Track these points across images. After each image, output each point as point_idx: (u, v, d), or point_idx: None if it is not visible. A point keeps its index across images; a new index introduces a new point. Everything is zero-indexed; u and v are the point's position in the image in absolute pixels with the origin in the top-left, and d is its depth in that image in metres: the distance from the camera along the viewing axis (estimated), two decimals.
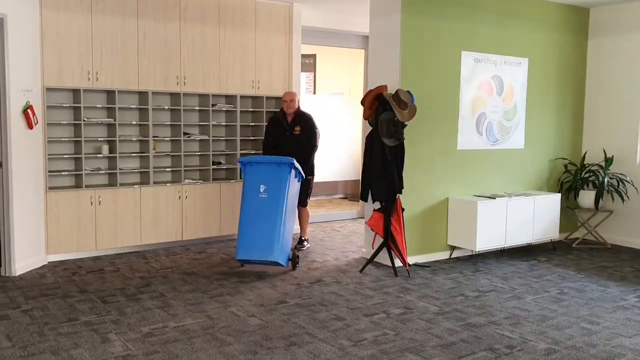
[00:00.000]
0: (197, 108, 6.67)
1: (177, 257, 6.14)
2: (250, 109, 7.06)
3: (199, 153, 6.76)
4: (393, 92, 5.54)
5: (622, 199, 6.77)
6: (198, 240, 6.74)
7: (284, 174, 5.41)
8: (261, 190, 5.37)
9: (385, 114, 5.55)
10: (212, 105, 6.70)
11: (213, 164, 6.78)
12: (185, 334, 3.95)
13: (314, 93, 10.43)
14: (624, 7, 6.90)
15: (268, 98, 7.09)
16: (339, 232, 7.66)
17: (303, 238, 6.69)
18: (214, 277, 5.39)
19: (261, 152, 6.80)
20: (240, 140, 6.94)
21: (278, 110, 6.70)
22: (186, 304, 4.60)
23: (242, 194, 5.46)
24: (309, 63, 10.28)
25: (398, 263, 5.70)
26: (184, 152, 6.58)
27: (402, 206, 5.65)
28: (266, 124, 6.67)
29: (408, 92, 5.58)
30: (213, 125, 6.76)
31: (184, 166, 6.57)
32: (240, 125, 6.93)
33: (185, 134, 6.60)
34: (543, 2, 6.81)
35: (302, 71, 7.64)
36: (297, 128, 6.34)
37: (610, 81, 7.10)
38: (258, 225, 5.32)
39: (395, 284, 5.24)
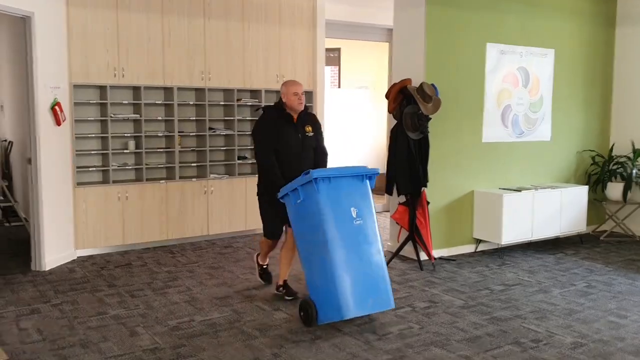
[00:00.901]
0: (222, 103, 6.72)
1: (203, 251, 6.21)
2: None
3: (225, 148, 6.82)
4: (417, 86, 5.51)
5: None
6: (224, 234, 6.80)
7: (366, 188, 4.08)
8: (353, 214, 3.91)
9: (409, 108, 5.53)
10: (237, 100, 6.75)
11: (238, 159, 6.83)
12: (211, 328, 4.01)
13: (339, 87, 10.42)
14: None
15: None
16: None
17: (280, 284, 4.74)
18: (240, 271, 5.44)
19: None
20: None
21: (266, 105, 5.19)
22: (212, 297, 4.66)
23: (318, 224, 3.82)
24: (334, 57, 10.27)
25: (423, 256, 5.68)
26: (210, 147, 6.64)
27: (427, 199, 5.63)
28: (256, 127, 4.53)
29: (432, 85, 5.54)
30: (238, 119, 6.81)
31: (210, 161, 6.63)
32: None
33: (210, 128, 6.66)
34: None
35: (326, 65, 7.64)
36: (308, 128, 4.56)
37: (638, 71, 6.94)
38: (362, 263, 3.86)
39: (420, 278, 5.23)
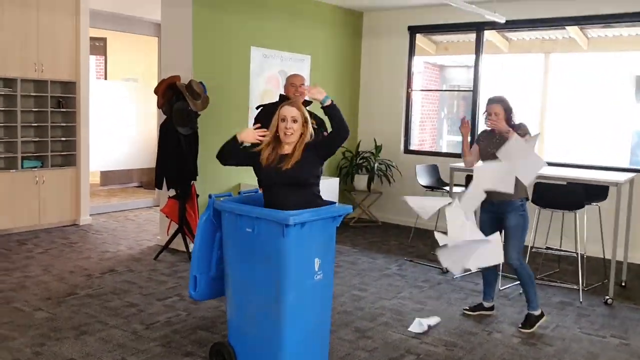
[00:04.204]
0: None
1: None
2: (33, 94, 6.63)
3: None
4: (186, 83, 5.69)
5: (389, 182, 7.78)
6: None
7: (333, 232, 3.32)
8: (316, 267, 3.19)
9: (179, 104, 5.68)
10: None
11: None
12: None
13: (105, 78, 10.04)
14: (389, 14, 7.88)
15: (53, 82, 6.73)
16: (133, 221, 7.58)
17: None
18: None
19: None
20: (22, 126, 6.49)
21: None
22: None
23: (274, 275, 3.07)
24: (99, 46, 9.85)
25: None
26: None
27: (197, 192, 5.85)
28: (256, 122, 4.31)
29: (201, 83, 5.77)
30: None
31: None
32: (22, 111, 6.48)
33: None
34: (324, 4, 7.47)
35: (91, 54, 7.35)
36: (313, 122, 3.84)
37: (379, 78, 8.06)
38: (310, 323, 3.24)
39: (189, 268, 5.41)
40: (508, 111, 4.20)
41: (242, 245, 3.19)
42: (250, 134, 3.49)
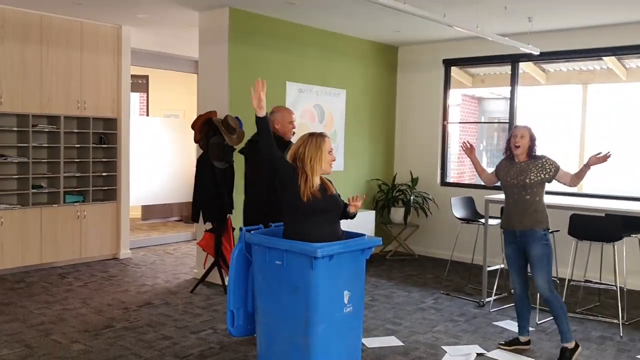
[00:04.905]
0: (15, 129, 6.35)
1: None
2: (75, 130, 6.88)
3: (17, 176, 6.42)
4: (222, 118, 5.81)
5: (426, 215, 7.70)
6: (16, 269, 6.36)
7: (363, 264, 3.34)
8: (345, 299, 3.20)
9: (215, 138, 5.79)
10: (33, 126, 6.43)
11: (33, 188, 6.48)
12: None
13: (147, 115, 10.34)
14: (424, 48, 7.92)
15: (95, 119, 6.98)
16: (171, 255, 7.69)
17: None
18: (34, 306, 5.17)
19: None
20: (65, 162, 6.72)
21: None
22: (2, 334, 4.39)
23: (303, 306, 3.09)
24: (141, 83, 10.20)
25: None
26: None
27: (233, 225, 5.91)
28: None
29: (237, 118, 5.89)
30: (33, 146, 6.46)
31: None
32: (65, 147, 6.72)
33: (0, 155, 6.24)
34: (359, 39, 7.57)
35: (133, 91, 7.60)
36: None
37: (415, 111, 8.06)
38: (339, 356, 3.25)
39: (223, 302, 5.44)
40: (532, 139, 4.23)
41: (272, 277, 3.20)
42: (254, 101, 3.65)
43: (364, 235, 3.38)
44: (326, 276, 3.03)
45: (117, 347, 4.20)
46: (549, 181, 4.21)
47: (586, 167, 4.19)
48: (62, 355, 4.02)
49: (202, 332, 4.59)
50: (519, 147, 4.20)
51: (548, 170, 4.15)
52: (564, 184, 4.23)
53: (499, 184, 4.47)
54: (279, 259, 3.14)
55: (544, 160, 4.19)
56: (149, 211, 10.14)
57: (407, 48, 8.11)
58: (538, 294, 4.42)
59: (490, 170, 4.62)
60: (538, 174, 4.15)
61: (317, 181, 3.39)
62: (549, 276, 4.13)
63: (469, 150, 4.59)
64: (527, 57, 6.98)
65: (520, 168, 4.20)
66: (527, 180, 4.15)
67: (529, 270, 4.29)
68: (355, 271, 3.23)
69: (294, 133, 4.59)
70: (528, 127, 4.26)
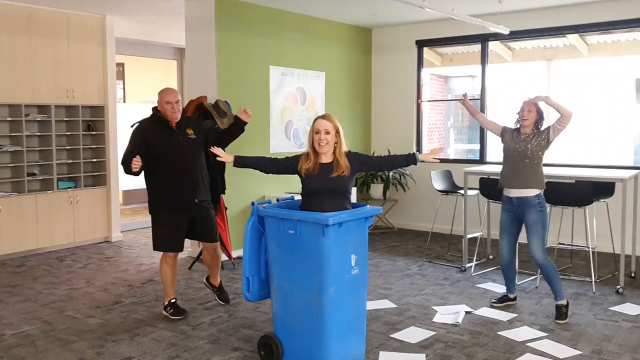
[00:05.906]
0: (8, 119, 6.49)
1: None
2: (65, 119, 7.03)
3: (12, 164, 6.57)
4: (213, 102, 6.07)
5: (404, 190, 8.12)
6: (14, 254, 6.54)
7: (366, 231, 3.68)
8: (352, 262, 3.53)
9: (206, 122, 6.04)
10: (25, 115, 6.57)
11: (28, 175, 6.64)
12: (26, 339, 4.07)
13: (124, 102, 10.45)
14: (397, 30, 8.28)
15: (83, 107, 7.14)
16: None
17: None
18: (41, 287, 5.40)
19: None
20: (56, 149, 6.89)
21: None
22: (18, 313, 4.63)
23: (315, 270, 3.43)
24: (118, 71, 10.28)
25: (224, 257, 6.23)
26: None
27: (225, 205, 6.20)
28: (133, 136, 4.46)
29: (226, 102, 6.15)
30: (26, 135, 6.61)
31: None
32: (56, 135, 6.88)
33: None
34: (336, 23, 7.87)
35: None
36: (190, 131, 4.59)
37: (390, 91, 8.44)
38: (348, 315, 3.56)
39: (223, 276, 5.73)
40: (540, 114, 4.60)
41: (285, 245, 3.55)
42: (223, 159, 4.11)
43: (366, 204, 3.78)
44: (336, 242, 3.39)
45: (131, 320, 4.49)
46: (548, 141, 4.53)
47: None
48: (81, 328, 4.30)
49: (208, 303, 4.91)
50: (526, 119, 4.57)
51: (544, 136, 4.53)
52: (564, 124, 4.46)
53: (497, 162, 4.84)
54: (292, 229, 3.48)
55: (543, 130, 4.56)
56: (130, 196, 10.31)
57: (381, 30, 8.44)
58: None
59: (496, 122, 4.94)
60: (539, 143, 4.53)
61: (315, 159, 3.77)
62: (543, 243, 4.54)
63: (465, 98, 5.11)
64: (497, 37, 7.39)
65: (525, 138, 4.57)
66: (529, 150, 4.52)
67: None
68: (360, 237, 3.59)
69: (186, 114, 4.81)
70: (535, 102, 4.57)
